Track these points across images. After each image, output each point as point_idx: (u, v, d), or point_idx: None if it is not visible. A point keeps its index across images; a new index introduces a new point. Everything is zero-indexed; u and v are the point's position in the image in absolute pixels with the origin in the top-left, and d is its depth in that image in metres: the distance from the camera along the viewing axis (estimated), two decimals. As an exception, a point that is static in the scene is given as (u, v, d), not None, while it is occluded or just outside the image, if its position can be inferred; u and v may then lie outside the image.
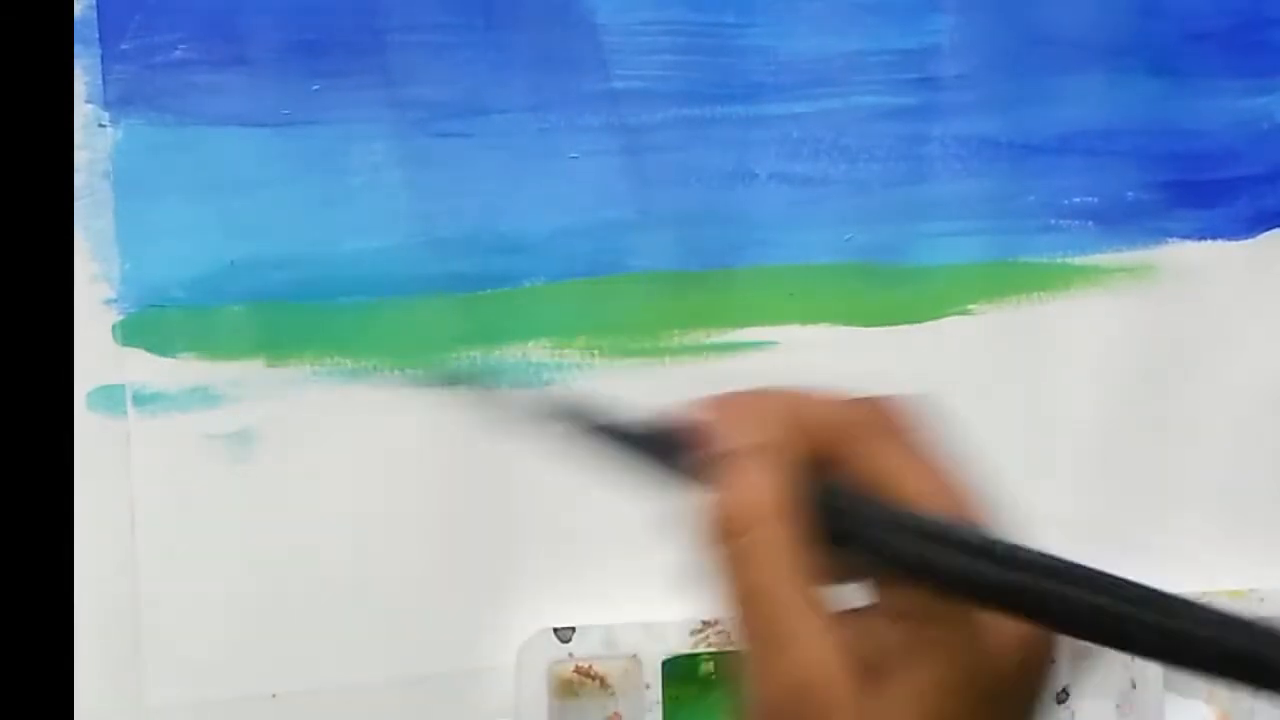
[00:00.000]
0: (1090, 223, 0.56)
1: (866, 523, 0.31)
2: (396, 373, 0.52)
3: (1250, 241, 0.58)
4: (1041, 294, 0.56)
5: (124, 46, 0.49)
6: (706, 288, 0.54)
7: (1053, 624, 0.30)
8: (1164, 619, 0.28)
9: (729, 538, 0.32)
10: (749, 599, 0.31)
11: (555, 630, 0.52)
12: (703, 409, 0.33)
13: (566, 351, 0.53)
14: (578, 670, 0.54)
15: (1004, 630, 0.30)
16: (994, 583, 0.30)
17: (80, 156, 0.49)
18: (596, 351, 0.53)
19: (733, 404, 0.33)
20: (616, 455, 0.36)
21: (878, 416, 0.33)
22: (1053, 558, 0.30)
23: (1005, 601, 0.30)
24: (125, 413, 0.50)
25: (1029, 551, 0.30)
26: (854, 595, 0.32)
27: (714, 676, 0.55)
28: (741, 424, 0.32)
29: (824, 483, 0.32)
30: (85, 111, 0.49)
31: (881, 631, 0.31)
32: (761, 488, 0.31)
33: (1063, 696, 0.55)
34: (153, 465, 0.50)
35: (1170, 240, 0.57)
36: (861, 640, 0.30)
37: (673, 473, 0.34)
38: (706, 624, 0.53)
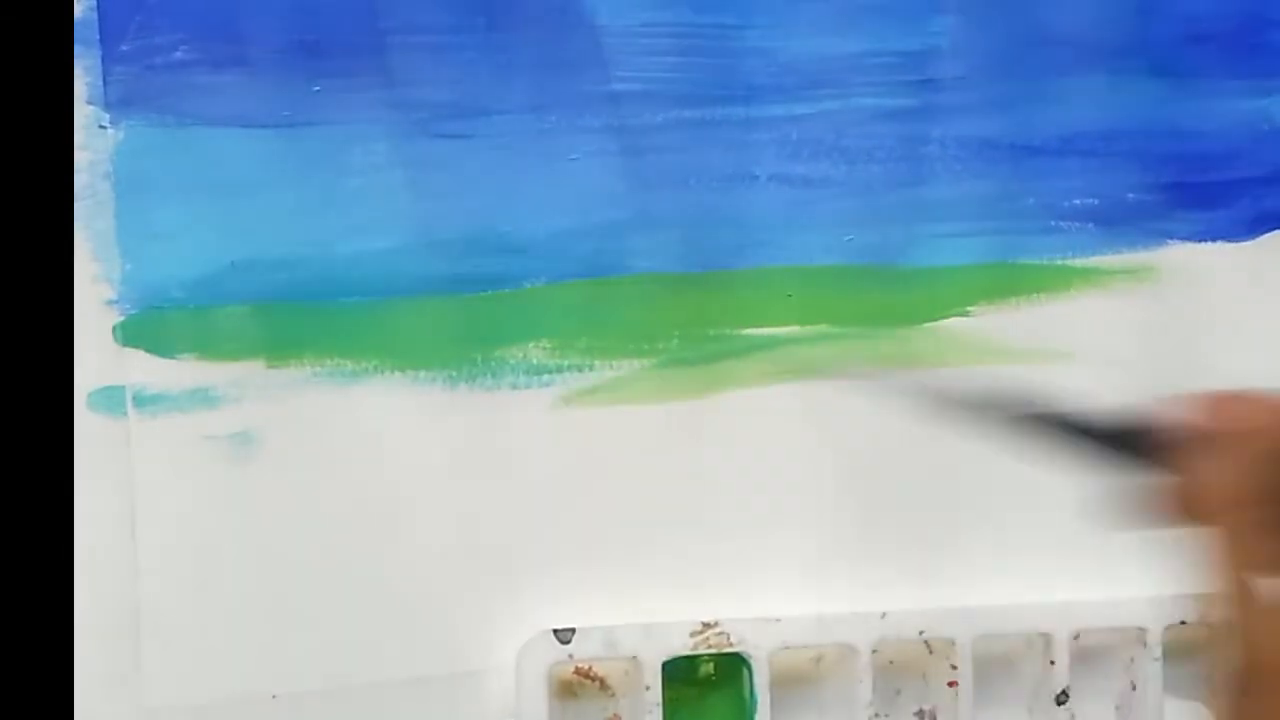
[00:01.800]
0: (1091, 224, 0.56)
1: None
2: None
3: (1251, 243, 0.58)
4: (1041, 296, 0.56)
5: (124, 48, 0.49)
6: (706, 289, 0.54)
7: None
8: None
9: (1209, 515, 0.34)
10: (1234, 573, 0.33)
11: (555, 631, 0.52)
12: (1187, 403, 0.36)
13: (567, 352, 0.53)
14: (578, 671, 0.54)
15: None
16: None
17: (81, 157, 0.49)
18: (597, 352, 0.53)
19: (1216, 399, 0.35)
20: (1067, 443, 0.37)
21: None
22: None
23: None
24: (126, 413, 0.50)
25: None
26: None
27: (713, 677, 0.55)
28: (1228, 418, 0.35)
29: None
30: (86, 112, 0.49)
31: None
32: (1243, 475, 0.34)
33: (1062, 698, 0.55)
34: (153, 466, 0.50)
35: (1171, 242, 0.57)
36: None
37: (1123, 460, 0.36)
38: (706, 625, 0.53)
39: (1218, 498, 0.34)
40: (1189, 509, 0.34)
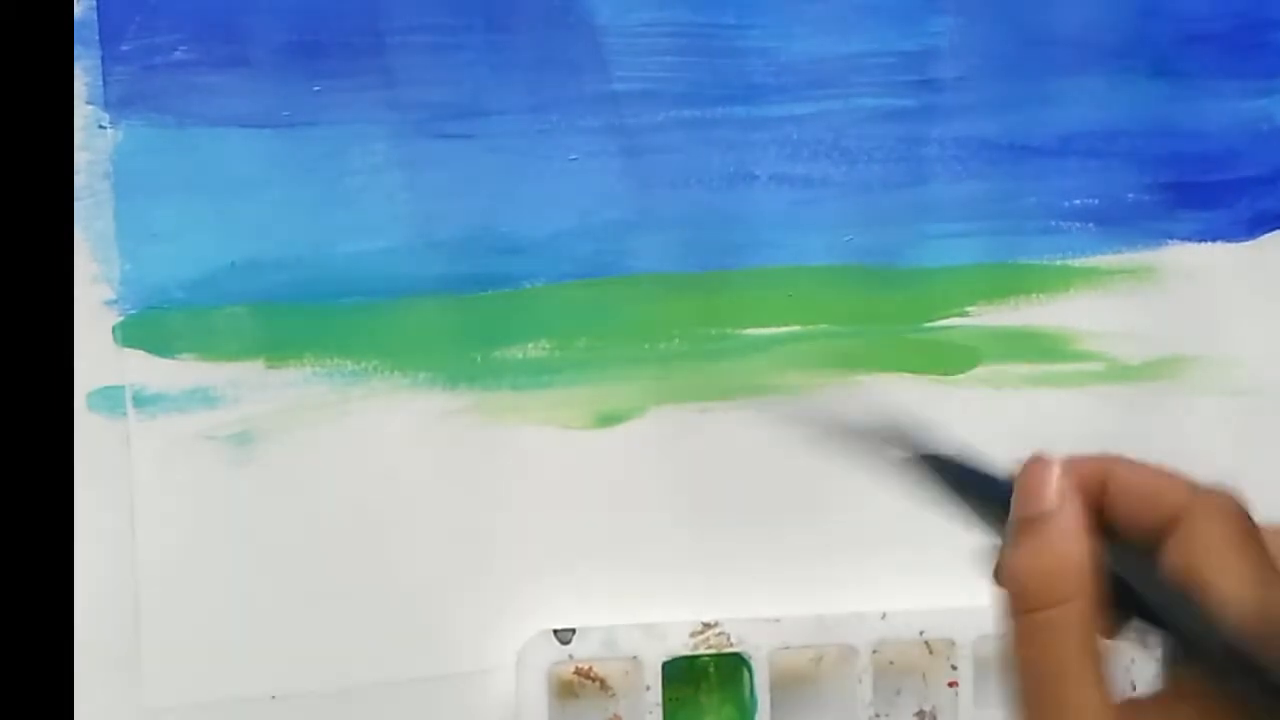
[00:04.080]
0: (1090, 224, 0.57)
1: (1172, 611, 0.31)
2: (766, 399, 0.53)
3: (1251, 243, 0.58)
4: (1041, 296, 0.56)
5: (124, 48, 0.49)
6: (706, 289, 0.54)
7: None
8: None
9: (1031, 609, 0.31)
10: (1036, 675, 0.31)
11: (555, 632, 0.52)
12: (1023, 465, 0.33)
13: (566, 353, 0.53)
14: (578, 672, 0.54)
15: None
16: None
17: (80, 158, 0.49)
18: (597, 353, 0.53)
19: (1047, 466, 0.33)
20: (935, 486, 0.35)
21: (1208, 507, 0.32)
22: None
23: None
24: (125, 414, 0.50)
25: None
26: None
27: (714, 678, 0.55)
28: (1055, 486, 0.32)
29: (1122, 559, 0.31)
30: (85, 113, 0.49)
31: (1167, 711, 0.31)
32: (1068, 558, 0.31)
33: (1063, 698, 0.55)
34: (153, 466, 0.50)
35: (1171, 242, 0.57)
36: None
37: (986, 516, 0.34)
38: (706, 625, 0.53)
39: (1053, 590, 0.31)
40: (1009, 589, 0.32)
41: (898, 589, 0.55)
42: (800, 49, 0.54)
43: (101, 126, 0.49)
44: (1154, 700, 0.31)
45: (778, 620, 0.53)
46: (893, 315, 0.55)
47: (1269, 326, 0.58)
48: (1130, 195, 0.57)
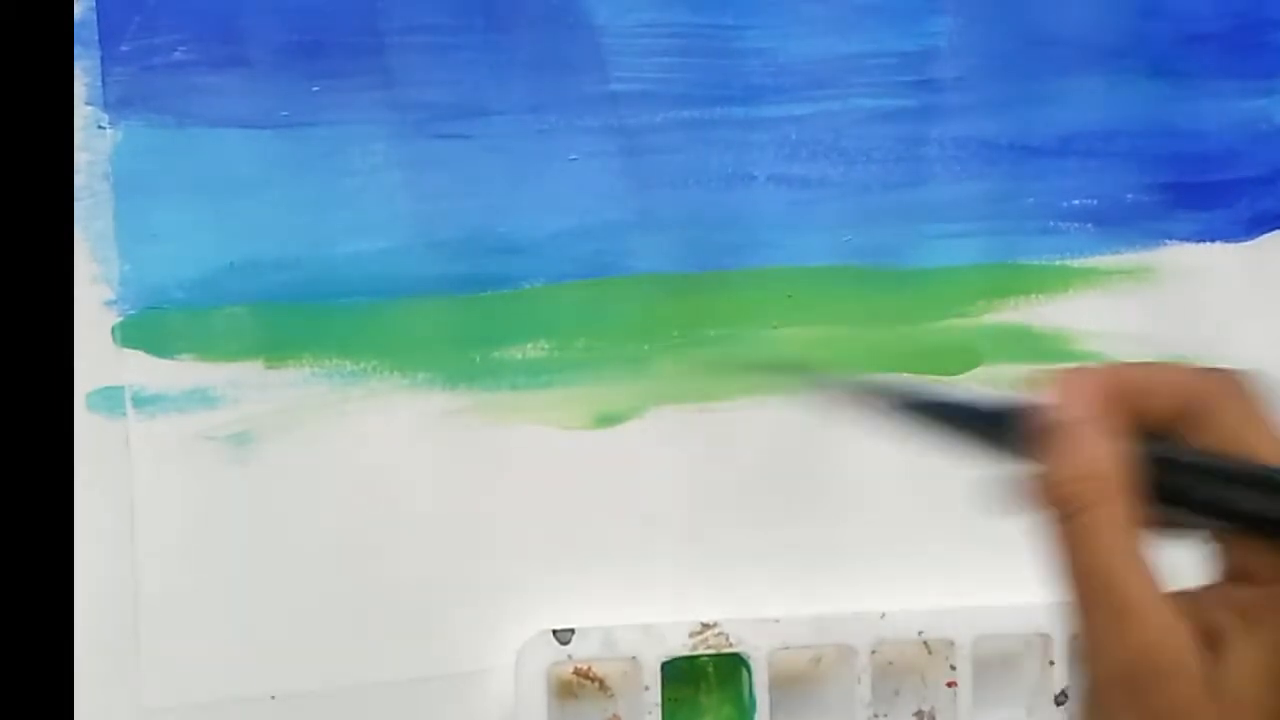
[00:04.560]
0: (1089, 225, 0.57)
1: (1209, 481, 0.32)
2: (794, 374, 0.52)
3: (1249, 243, 0.58)
4: (1040, 296, 0.56)
5: (123, 48, 0.49)
6: (705, 289, 0.54)
7: None
8: None
9: (1068, 514, 0.32)
10: (1089, 574, 0.31)
11: (554, 632, 0.52)
12: (1039, 384, 0.34)
13: (566, 353, 0.53)
14: (577, 672, 0.54)
15: None
16: None
17: (80, 158, 0.49)
18: (596, 353, 0.53)
19: (1069, 377, 0.33)
20: (937, 431, 0.36)
21: (1226, 386, 0.33)
22: None
23: None
24: (125, 414, 0.50)
25: None
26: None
27: (713, 678, 0.55)
28: (1078, 395, 0.33)
29: (1164, 446, 0.32)
30: (85, 113, 0.49)
31: (1220, 599, 0.31)
32: (1099, 460, 0.32)
33: (1062, 699, 0.55)
34: (152, 466, 0.50)
35: (1169, 242, 0.57)
36: (1202, 610, 0.31)
37: (997, 448, 0.34)
38: (706, 626, 0.53)
39: (1087, 491, 0.32)
40: (1046, 499, 0.32)
41: (896, 589, 0.55)
42: (799, 49, 0.54)
43: (101, 127, 0.49)
44: (1206, 589, 0.32)
45: (777, 620, 0.53)
46: (892, 316, 0.55)
47: (1268, 326, 0.58)
48: (1129, 195, 0.57)
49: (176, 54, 0.50)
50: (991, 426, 0.34)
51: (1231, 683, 0.30)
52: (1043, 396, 0.33)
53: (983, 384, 0.56)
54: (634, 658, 0.52)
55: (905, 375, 0.35)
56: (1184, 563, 0.33)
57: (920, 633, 0.54)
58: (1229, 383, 0.33)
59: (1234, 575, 0.32)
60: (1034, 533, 0.33)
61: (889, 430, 0.36)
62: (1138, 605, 0.31)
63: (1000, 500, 0.33)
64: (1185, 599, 0.31)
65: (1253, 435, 0.32)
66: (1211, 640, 0.30)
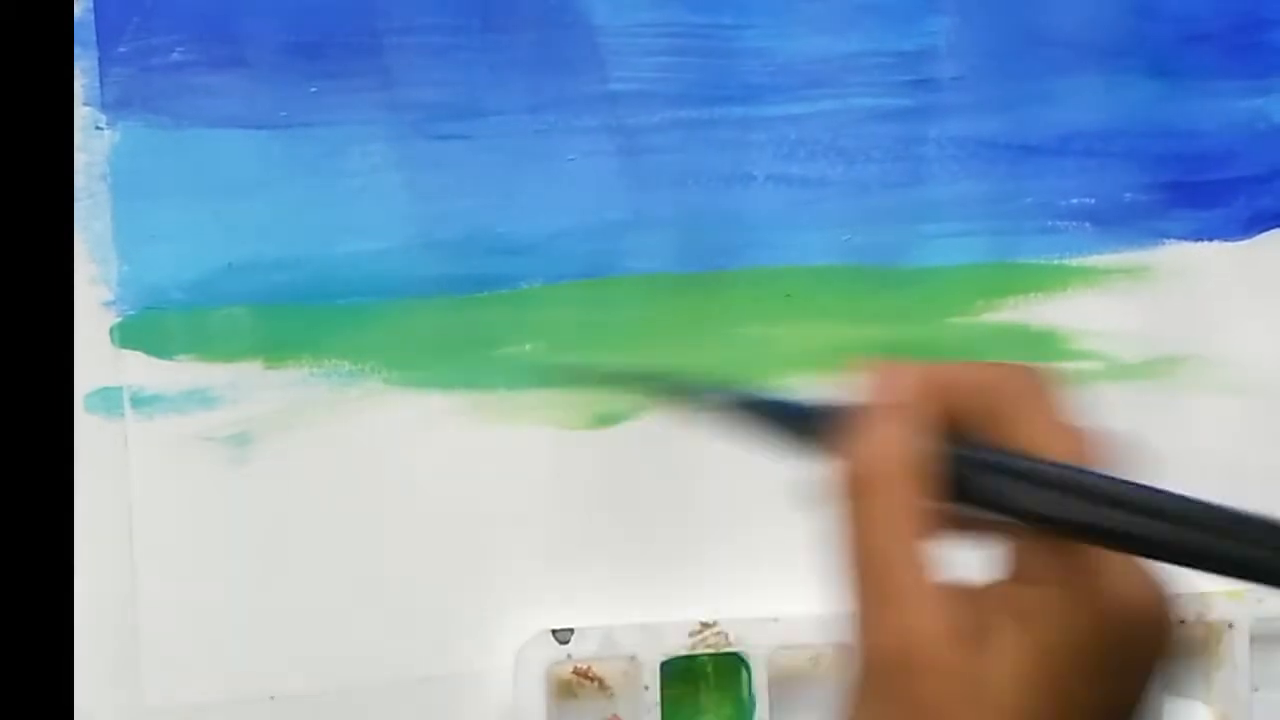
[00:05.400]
0: (1088, 224, 0.57)
1: (1000, 478, 0.31)
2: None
3: (1247, 242, 0.58)
4: (1039, 295, 0.56)
5: (121, 49, 0.49)
6: (703, 289, 0.54)
7: (1201, 569, 0.30)
8: None
9: (852, 495, 0.32)
10: (862, 556, 0.31)
11: (553, 632, 0.52)
12: (844, 376, 0.34)
13: (564, 353, 0.53)
14: (576, 672, 0.54)
15: (1122, 595, 0.30)
16: (1123, 529, 0.30)
17: (78, 159, 0.49)
18: (594, 353, 0.53)
19: (882, 370, 0.33)
20: (758, 429, 0.36)
21: (1024, 382, 0.33)
22: (1192, 500, 0.30)
23: (1138, 547, 0.30)
24: (123, 414, 0.50)
25: (1168, 495, 0.30)
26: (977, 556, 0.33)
27: (712, 678, 0.55)
28: (888, 387, 0.33)
29: (961, 441, 0.32)
30: (83, 114, 0.49)
31: (998, 598, 0.31)
32: (888, 446, 0.32)
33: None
34: (151, 467, 0.50)
35: (1167, 241, 0.57)
36: (978, 607, 0.30)
37: (811, 443, 0.34)
38: (705, 625, 0.53)
39: (872, 475, 0.31)
40: (835, 481, 0.32)
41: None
42: (797, 49, 0.54)
43: (99, 128, 0.49)
44: (988, 587, 0.31)
45: (776, 620, 0.53)
46: (891, 315, 0.55)
47: (1265, 325, 0.58)
48: (1127, 195, 0.57)
49: (174, 55, 0.50)
50: (813, 424, 0.34)
51: (993, 682, 0.30)
52: (858, 389, 0.33)
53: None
54: (633, 657, 0.52)
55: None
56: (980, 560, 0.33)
57: (919, 632, 0.54)
58: (1031, 381, 0.33)
59: (1017, 575, 0.32)
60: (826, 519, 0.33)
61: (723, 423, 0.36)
62: (903, 592, 0.30)
63: (811, 494, 0.33)
64: (962, 594, 0.31)
65: (1042, 431, 0.32)
66: (982, 638, 0.30)
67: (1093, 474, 0.31)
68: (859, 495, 0.32)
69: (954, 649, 0.30)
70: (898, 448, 0.32)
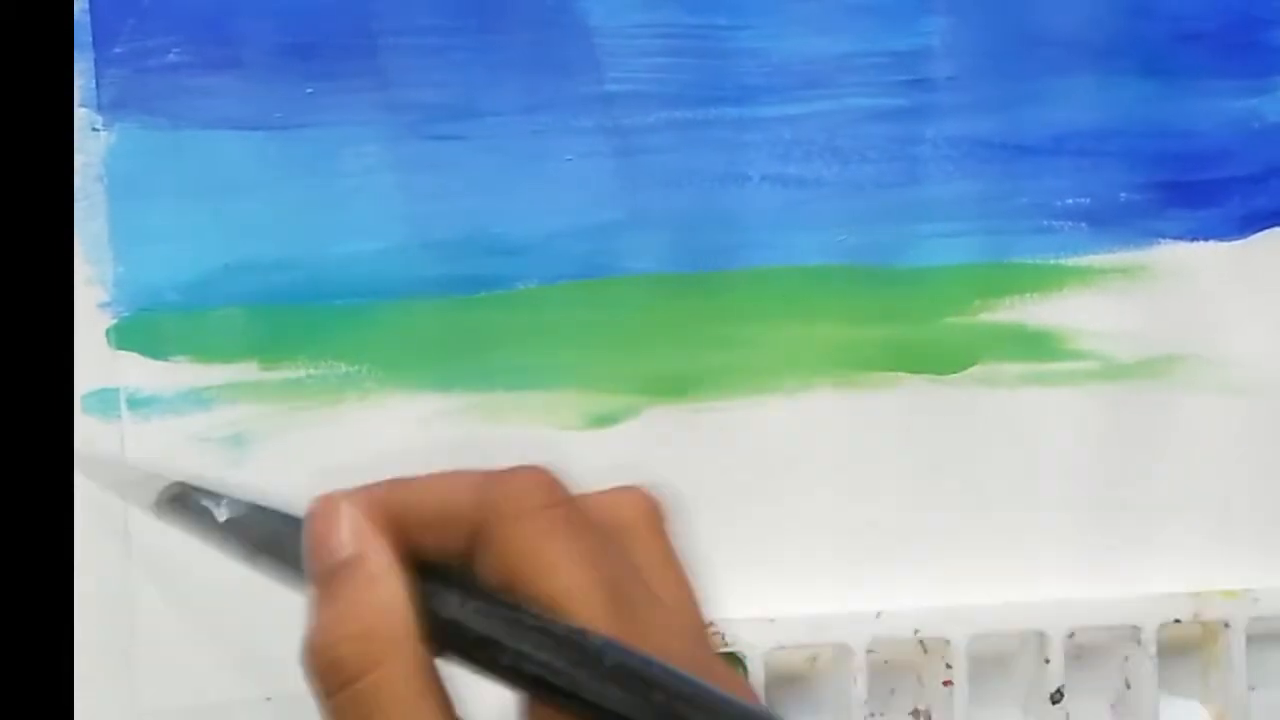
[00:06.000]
0: (1083, 224, 0.57)
1: (480, 633, 0.28)
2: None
3: (1242, 242, 0.58)
4: (1034, 295, 0.56)
5: (117, 50, 0.49)
6: (699, 289, 0.54)
7: None
8: None
9: (346, 681, 0.28)
10: None
11: (550, 632, 0.52)
12: (308, 510, 0.28)
13: (560, 354, 0.53)
14: (573, 672, 0.54)
15: None
16: (591, 693, 0.27)
17: (74, 160, 0.49)
18: (590, 354, 0.53)
19: (329, 509, 0.29)
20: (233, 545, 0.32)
21: (514, 501, 0.29)
22: (665, 670, 0.27)
23: (601, 711, 0.27)
24: (119, 416, 0.50)
25: (641, 661, 0.27)
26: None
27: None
28: (346, 530, 0.28)
29: (434, 588, 0.28)
30: (79, 115, 0.49)
31: None
32: (378, 612, 0.27)
33: (1057, 697, 0.55)
34: (148, 468, 0.50)
35: (1162, 241, 0.57)
36: None
37: (293, 574, 0.30)
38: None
39: (370, 652, 0.27)
40: (320, 667, 0.27)
41: (892, 588, 0.55)
42: (792, 49, 0.54)
43: (95, 129, 0.49)
44: None
45: (772, 620, 0.53)
46: (887, 315, 0.55)
47: (1261, 324, 0.58)
48: (1122, 194, 0.57)
49: (170, 56, 0.50)
50: (279, 543, 0.29)
51: None
52: (309, 531, 0.28)
53: (980, 383, 0.56)
54: (630, 658, 0.52)
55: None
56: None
57: (916, 632, 0.54)
58: (517, 497, 0.29)
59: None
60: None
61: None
62: None
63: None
64: None
65: (544, 560, 0.28)
66: None
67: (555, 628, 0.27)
68: (356, 677, 0.27)
69: None
70: (389, 610, 0.27)
